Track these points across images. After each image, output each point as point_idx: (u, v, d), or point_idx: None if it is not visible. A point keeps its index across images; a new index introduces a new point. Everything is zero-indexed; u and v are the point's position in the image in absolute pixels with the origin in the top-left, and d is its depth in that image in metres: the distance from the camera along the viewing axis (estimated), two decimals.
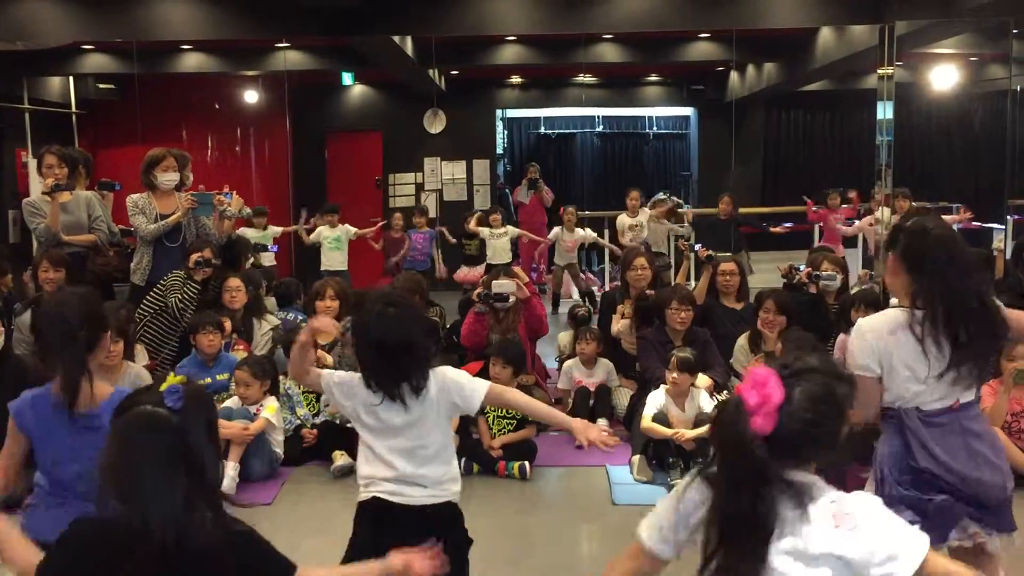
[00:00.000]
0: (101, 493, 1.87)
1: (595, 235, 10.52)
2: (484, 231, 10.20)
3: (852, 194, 10.40)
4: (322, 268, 9.57)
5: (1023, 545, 2.82)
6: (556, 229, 10.54)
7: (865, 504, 1.84)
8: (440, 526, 2.79)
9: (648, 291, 6.30)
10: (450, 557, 2.71)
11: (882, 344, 2.76)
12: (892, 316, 2.82)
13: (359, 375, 2.84)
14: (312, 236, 9.83)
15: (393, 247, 10.45)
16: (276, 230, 9.69)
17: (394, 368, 2.75)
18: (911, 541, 1.82)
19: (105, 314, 2.83)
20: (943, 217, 10.73)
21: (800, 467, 1.83)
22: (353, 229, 9.85)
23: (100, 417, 2.57)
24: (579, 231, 10.46)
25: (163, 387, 1.87)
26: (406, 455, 2.79)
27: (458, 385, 2.84)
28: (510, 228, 10.28)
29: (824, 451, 1.85)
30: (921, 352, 2.71)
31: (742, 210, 10.34)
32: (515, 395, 3.06)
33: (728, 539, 1.78)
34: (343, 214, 10.06)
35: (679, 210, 9.42)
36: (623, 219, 10.19)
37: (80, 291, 2.94)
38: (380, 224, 10.38)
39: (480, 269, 10.00)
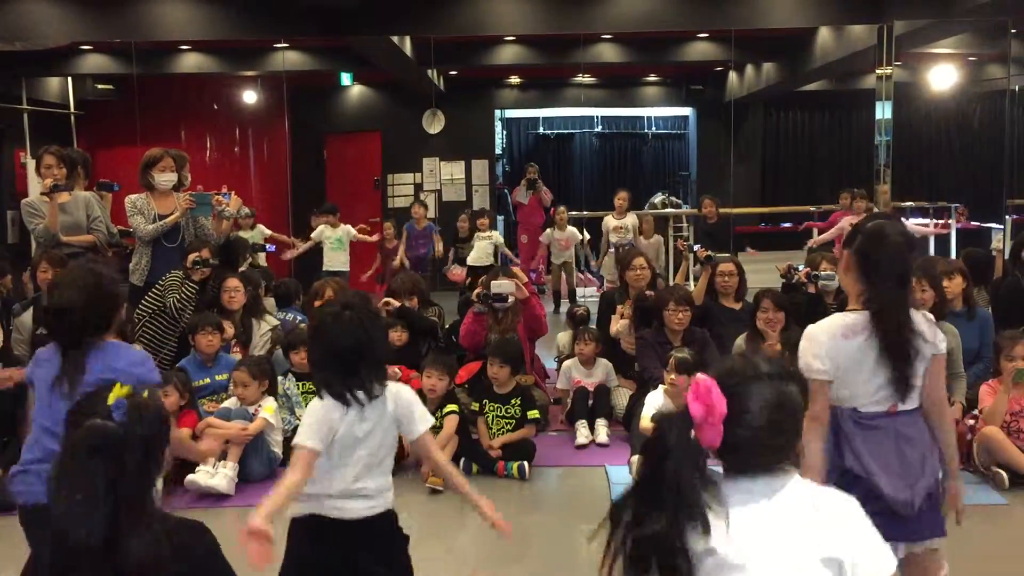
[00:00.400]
0: (51, 499, 1.89)
1: (579, 235, 10.61)
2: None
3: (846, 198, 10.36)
4: (324, 268, 9.57)
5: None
6: (548, 230, 10.59)
7: (843, 503, 1.79)
8: (380, 537, 2.77)
9: (647, 291, 6.31)
10: (393, 565, 2.80)
11: (835, 347, 2.73)
12: (843, 320, 2.80)
13: (318, 402, 2.75)
14: (314, 235, 9.81)
15: (386, 256, 10.36)
16: (265, 230, 9.65)
17: (348, 372, 2.69)
18: (880, 556, 1.75)
19: (117, 291, 2.84)
20: (915, 222, 10.73)
21: (761, 473, 1.77)
22: (353, 231, 9.83)
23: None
24: (571, 228, 10.50)
25: (111, 399, 1.89)
26: (357, 466, 2.73)
27: (409, 410, 2.80)
28: (495, 235, 10.20)
29: (778, 459, 1.77)
30: (864, 354, 2.72)
31: (739, 210, 10.36)
32: (440, 456, 3.02)
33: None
34: (342, 214, 10.05)
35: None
36: (609, 220, 10.19)
37: (93, 268, 2.93)
38: (378, 239, 10.37)
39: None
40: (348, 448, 2.72)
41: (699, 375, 1.73)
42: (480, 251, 9.89)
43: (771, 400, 1.73)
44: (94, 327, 2.81)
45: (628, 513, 1.74)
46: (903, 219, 7.88)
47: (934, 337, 2.78)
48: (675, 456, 1.68)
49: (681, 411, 1.71)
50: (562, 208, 10.68)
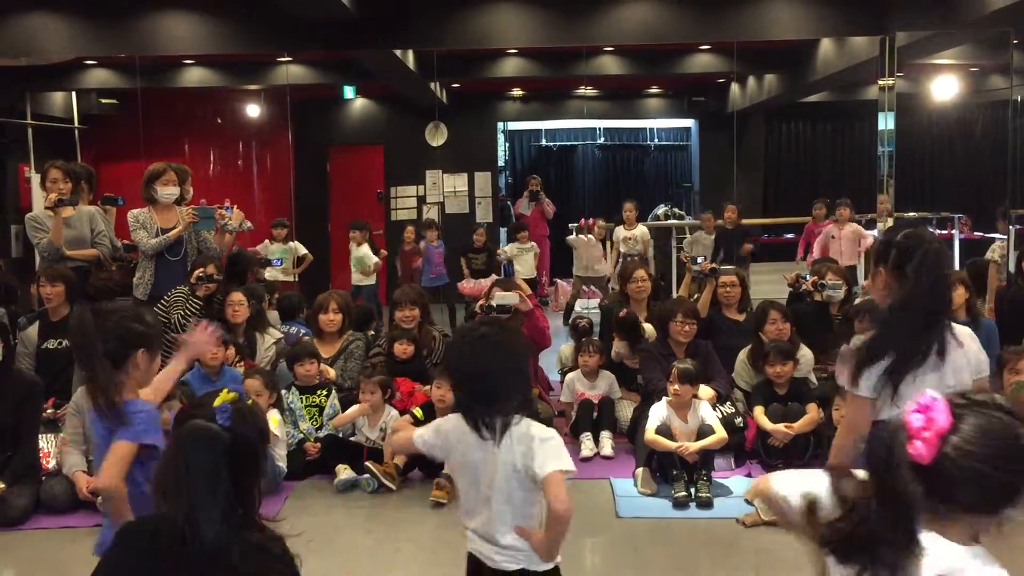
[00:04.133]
0: (154, 497, 1.96)
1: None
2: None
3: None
4: (352, 283, 9.67)
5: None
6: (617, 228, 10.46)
7: None
8: None
9: (624, 310, 6.37)
10: None
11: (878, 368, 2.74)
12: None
13: (448, 419, 2.64)
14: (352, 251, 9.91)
15: (405, 260, 10.53)
16: (300, 248, 9.69)
17: (483, 399, 2.53)
18: None
19: (142, 331, 2.80)
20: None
21: (946, 520, 1.60)
22: (372, 260, 9.85)
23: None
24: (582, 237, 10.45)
25: (216, 403, 1.94)
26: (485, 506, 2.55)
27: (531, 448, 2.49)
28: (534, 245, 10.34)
29: (988, 503, 1.57)
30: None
31: (742, 221, 10.38)
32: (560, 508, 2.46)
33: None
34: (345, 228, 10.09)
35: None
36: (619, 231, 10.24)
37: (121, 307, 2.92)
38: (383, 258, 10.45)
39: (484, 282, 10.02)
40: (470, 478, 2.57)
41: (928, 392, 1.61)
42: (524, 264, 10.00)
43: (993, 430, 1.56)
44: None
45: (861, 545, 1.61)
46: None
47: (978, 356, 2.79)
48: (902, 468, 1.57)
49: (899, 423, 1.60)
50: (601, 221, 10.56)
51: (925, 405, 1.58)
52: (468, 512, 2.61)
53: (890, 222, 8.34)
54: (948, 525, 1.60)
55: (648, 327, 6.33)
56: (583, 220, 10.59)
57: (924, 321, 2.75)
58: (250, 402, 1.99)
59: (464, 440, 2.56)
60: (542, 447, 2.46)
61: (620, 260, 9.92)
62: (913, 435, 1.57)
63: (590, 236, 10.26)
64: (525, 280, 7.96)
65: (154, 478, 1.98)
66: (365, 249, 9.86)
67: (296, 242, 9.73)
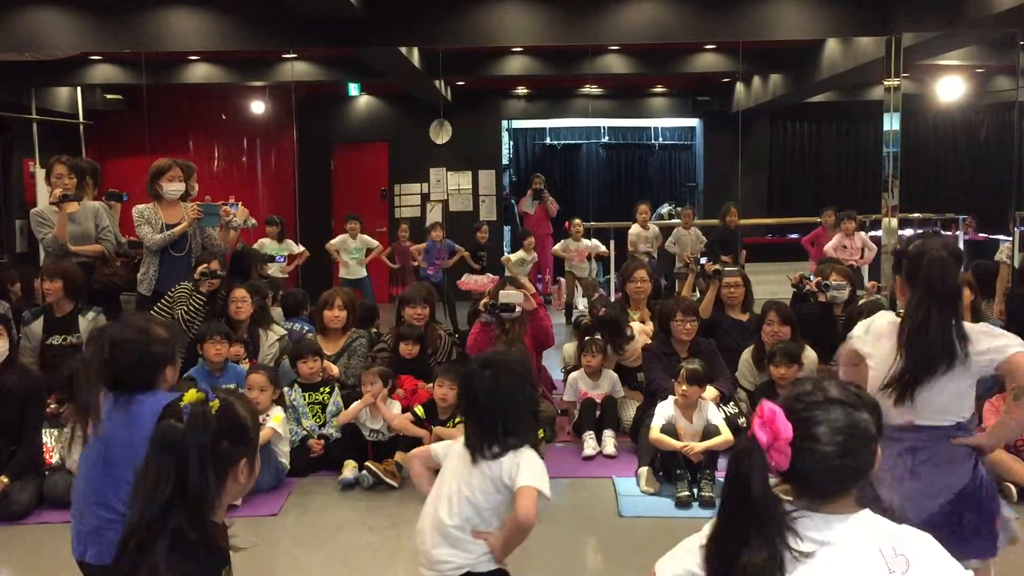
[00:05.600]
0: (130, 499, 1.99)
1: (600, 247, 10.60)
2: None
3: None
4: (342, 277, 9.68)
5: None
6: (563, 241, 10.63)
7: (922, 544, 1.75)
8: None
9: (603, 308, 6.40)
10: None
11: (873, 336, 2.96)
12: (892, 318, 2.99)
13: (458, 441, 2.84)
14: (334, 242, 9.93)
15: (402, 257, 10.55)
16: (294, 247, 9.72)
17: (492, 427, 2.74)
18: None
19: (162, 351, 2.80)
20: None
21: (829, 503, 1.74)
22: (375, 244, 9.95)
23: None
24: (585, 241, 10.52)
25: (183, 402, 1.94)
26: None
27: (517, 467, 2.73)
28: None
29: (852, 482, 1.75)
30: (888, 361, 2.84)
31: (746, 221, 10.39)
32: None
33: None
34: (347, 224, 10.09)
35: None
36: (637, 230, 10.30)
37: (132, 334, 2.87)
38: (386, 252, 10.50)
39: (486, 278, 10.04)
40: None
41: (765, 402, 1.73)
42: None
43: (840, 425, 1.72)
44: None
45: (721, 551, 1.72)
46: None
47: (992, 344, 2.81)
48: (757, 481, 1.67)
49: (751, 439, 1.71)
50: (577, 221, 10.65)
51: (767, 419, 1.70)
52: (422, 516, 2.85)
53: (895, 223, 8.32)
54: (838, 506, 1.74)
55: (636, 325, 6.33)
56: (567, 224, 10.69)
57: (931, 329, 2.80)
58: (214, 403, 1.95)
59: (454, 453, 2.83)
60: (529, 468, 2.70)
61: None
62: (767, 448, 1.68)
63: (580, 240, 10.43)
64: None
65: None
66: (364, 237, 9.97)
67: (289, 240, 9.73)
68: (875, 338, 2.96)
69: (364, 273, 9.94)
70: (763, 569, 1.65)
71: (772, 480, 1.70)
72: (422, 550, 2.83)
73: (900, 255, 2.95)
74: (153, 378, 2.76)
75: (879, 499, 2.44)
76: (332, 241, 10.04)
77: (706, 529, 1.81)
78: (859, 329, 3.04)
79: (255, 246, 9.32)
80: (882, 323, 2.99)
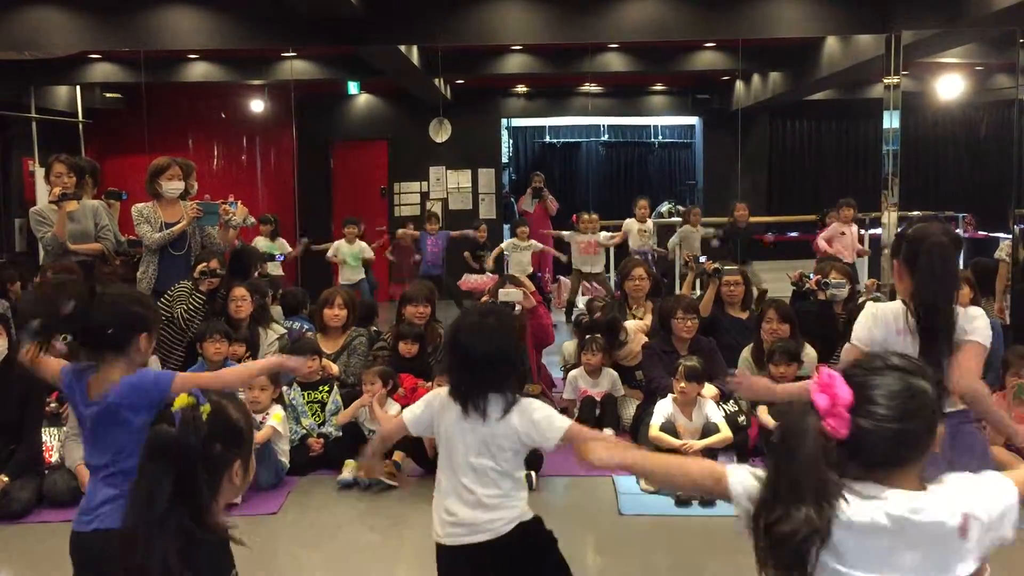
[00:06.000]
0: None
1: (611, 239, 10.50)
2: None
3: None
4: (340, 282, 9.70)
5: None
6: (570, 231, 10.46)
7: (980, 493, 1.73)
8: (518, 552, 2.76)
9: (599, 312, 6.40)
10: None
11: (879, 329, 2.94)
12: (895, 307, 3.00)
13: (436, 393, 2.85)
14: (330, 252, 9.94)
15: (402, 254, 10.57)
16: (286, 246, 9.73)
17: (481, 380, 2.74)
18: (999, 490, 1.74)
19: (143, 314, 2.80)
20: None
21: (891, 477, 1.71)
22: (370, 254, 10.02)
23: (104, 403, 2.68)
24: (603, 233, 10.35)
25: (174, 407, 1.95)
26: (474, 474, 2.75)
27: (536, 424, 2.75)
28: (534, 243, 10.48)
29: (912, 452, 1.71)
30: (904, 348, 2.82)
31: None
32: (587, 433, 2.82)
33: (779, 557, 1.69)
34: (345, 228, 10.13)
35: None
36: (632, 223, 10.26)
37: (121, 291, 2.91)
38: (385, 241, 10.55)
39: (486, 277, 10.03)
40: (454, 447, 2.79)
41: (822, 368, 1.73)
42: (520, 262, 9.99)
43: (897, 389, 1.70)
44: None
45: (768, 514, 1.70)
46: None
47: (967, 323, 2.88)
48: (808, 443, 1.66)
49: (805, 405, 1.70)
50: (594, 215, 10.41)
51: (826, 384, 1.68)
52: (446, 490, 2.78)
53: (893, 216, 8.33)
54: (903, 480, 1.71)
55: (631, 324, 6.32)
56: (575, 217, 10.62)
57: (930, 314, 2.86)
58: (205, 408, 1.96)
59: (448, 413, 2.78)
60: (546, 423, 2.74)
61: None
62: (824, 415, 1.66)
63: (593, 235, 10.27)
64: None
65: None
66: (361, 244, 10.01)
67: (282, 239, 9.74)
68: (885, 327, 2.96)
69: (361, 275, 9.97)
70: (803, 533, 1.64)
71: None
72: (456, 519, 2.76)
73: (900, 238, 2.99)
74: (127, 338, 2.71)
75: None
76: (328, 252, 10.02)
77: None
78: (861, 324, 3.03)
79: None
80: (884, 311, 3.00)
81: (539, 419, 2.73)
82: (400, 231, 11.04)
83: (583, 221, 10.34)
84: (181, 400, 1.95)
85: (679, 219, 12.31)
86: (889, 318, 2.98)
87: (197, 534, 1.90)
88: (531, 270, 10.03)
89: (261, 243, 9.41)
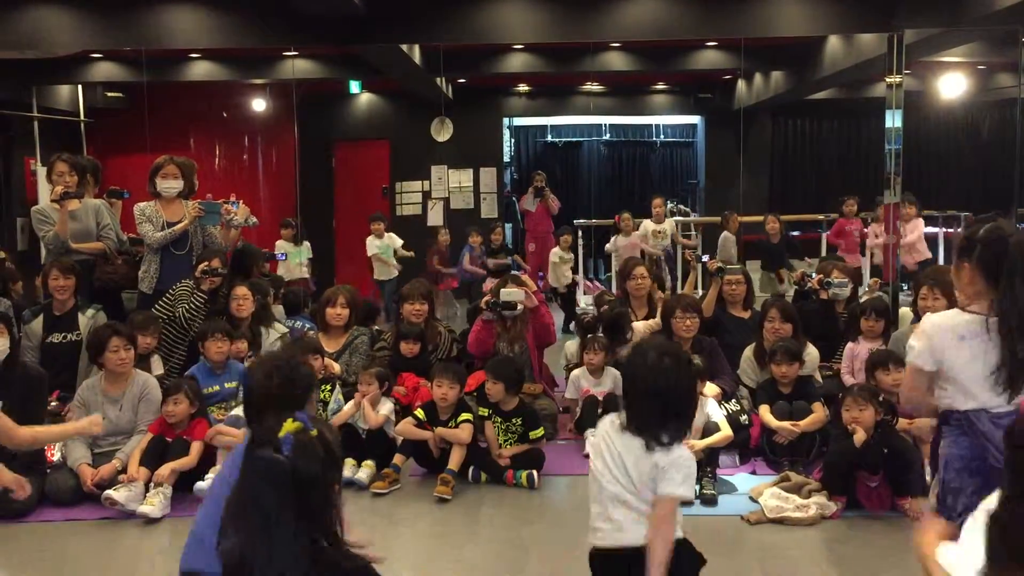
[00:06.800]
0: (223, 528, 1.98)
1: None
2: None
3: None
4: (374, 277, 9.73)
5: None
6: (614, 238, 10.30)
7: None
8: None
9: (604, 307, 6.43)
10: None
11: (945, 345, 2.83)
12: (959, 319, 2.87)
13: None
14: (369, 250, 10.04)
15: (444, 258, 10.60)
16: (309, 250, 9.79)
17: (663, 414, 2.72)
18: None
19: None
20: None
21: None
22: (399, 242, 10.03)
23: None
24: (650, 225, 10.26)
25: (281, 433, 1.95)
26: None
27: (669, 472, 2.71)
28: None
29: None
30: (986, 354, 2.79)
31: (747, 219, 10.33)
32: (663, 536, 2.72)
33: None
34: (350, 222, 10.13)
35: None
36: (648, 224, 10.22)
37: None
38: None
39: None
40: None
41: None
42: (561, 274, 9.95)
43: None
44: None
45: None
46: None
47: None
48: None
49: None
50: (626, 215, 10.31)
51: None
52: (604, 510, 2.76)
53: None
54: None
55: (638, 325, 6.32)
56: (617, 218, 10.37)
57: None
58: (314, 432, 1.98)
59: (615, 441, 2.76)
60: (674, 471, 2.69)
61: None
62: None
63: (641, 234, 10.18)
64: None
65: (225, 508, 2.00)
66: (392, 236, 10.04)
67: (307, 243, 9.83)
68: (947, 346, 2.84)
69: (396, 272, 9.99)
70: None
71: None
72: (612, 528, 2.75)
73: (974, 241, 2.84)
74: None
75: None
76: (368, 245, 10.11)
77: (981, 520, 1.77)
78: (920, 347, 2.88)
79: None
80: (946, 328, 2.86)
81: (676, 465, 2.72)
82: (442, 233, 11.01)
83: (624, 220, 10.24)
84: (290, 426, 1.96)
85: (680, 218, 12.32)
86: (964, 335, 2.85)
87: (345, 565, 1.93)
88: (570, 279, 10.03)
89: (284, 247, 9.46)
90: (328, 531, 1.95)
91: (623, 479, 2.72)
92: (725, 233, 10.25)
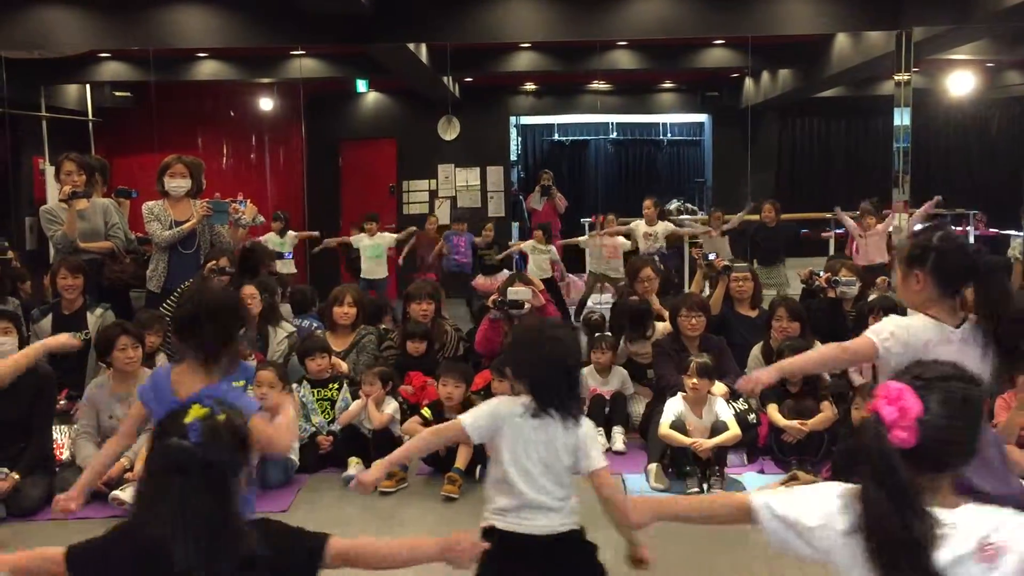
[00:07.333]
0: (134, 515, 1.96)
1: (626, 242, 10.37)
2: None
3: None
4: (362, 277, 9.74)
5: None
6: (590, 234, 10.38)
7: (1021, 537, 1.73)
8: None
9: (636, 297, 6.39)
10: None
11: (918, 350, 2.80)
12: (930, 328, 2.87)
13: (501, 400, 2.89)
14: (353, 242, 9.99)
15: (426, 247, 10.58)
16: (295, 239, 9.78)
17: (568, 386, 2.83)
18: None
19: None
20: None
21: (937, 480, 1.78)
22: (391, 236, 10.03)
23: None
24: (620, 238, 10.26)
25: (187, 419, 1.91)
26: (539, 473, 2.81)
27: (586, 445, 2.83)
28: (553, 249, 10.27)
29: (964, 458, 1.80)
30: (964, 358, 2.75)
31: (755, 217, 10.30)
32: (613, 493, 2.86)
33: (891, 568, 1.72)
34: (357, 221, 10.15)
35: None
36: (639, 225, 10.13)
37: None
38: (413, 230, 10.55)
39: (500, 278, 10.03)
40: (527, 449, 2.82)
41: (890, 382, 1.79)
42: (538, 265, 9.90)
43: (955, 399, 1.77)
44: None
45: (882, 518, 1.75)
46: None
47: None
48: (881, 455, 1.73)
49: (872, 416, 1.77)
50: (611, 216, 10.31)
51: (894, 396, 1.74)
52: (507, 489, 2.79)
53: (903, 218, 8.28)
54: (940, 494, 1.77)
55: (660, 326, 6.31)
56: (594, 217, 10.52)
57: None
58: (222, 417, 1.94)
59: (516, 419, 2.81)
60: (592, 445, 2.85)
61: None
62: (891, 426, 1.73)
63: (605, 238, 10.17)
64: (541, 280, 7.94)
65: (136, 498, 1.99)
66: (383, 234, 10.05)
67: (292, 232, 9.87)
68: (920, 351, 2.84)
69: (384, 274, 10.00)
70: (926, 538, 1.69)
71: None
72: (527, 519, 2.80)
73: (928, 249, 2.84)
74: None
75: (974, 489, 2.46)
76: (351, 241, 10.13)
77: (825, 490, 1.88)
78: (896, 334, 2.89)
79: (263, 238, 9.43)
80: (921, 330, 2.87)
81: (591, 443, 2.87)
82: (431, 220, 11.05)
83: (609, 223, 10.19)
84: (196, 411, 1.92)
85: (687, 217, 12.30)
86: (934, 343, 2.85)
87: (262, 548, 1.90)
88: (551, 274, 9.91)
89: (272, 239, 9.44)
90: (238, 515, 1.92)
91: (542, 479, 2.78)
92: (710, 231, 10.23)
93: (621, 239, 9.96)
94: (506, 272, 9.80)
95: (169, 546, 1.84)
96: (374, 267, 9.93)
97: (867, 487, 1.76)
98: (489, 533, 2.76)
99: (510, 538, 2.76)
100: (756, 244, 9.55)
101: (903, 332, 2.89)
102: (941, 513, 1.73)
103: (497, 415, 2.85)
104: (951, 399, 1.76)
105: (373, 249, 9.93)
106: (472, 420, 2.88)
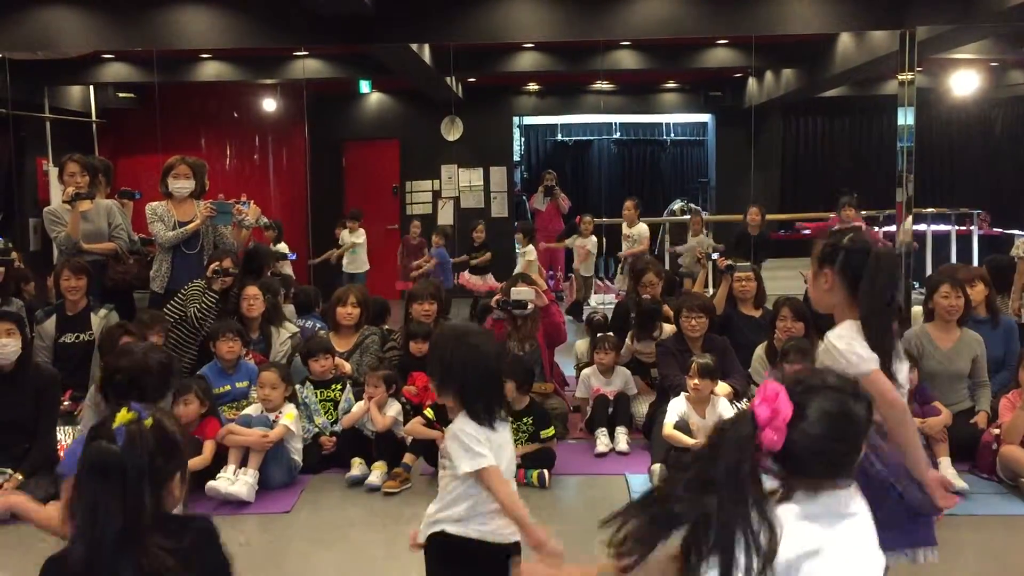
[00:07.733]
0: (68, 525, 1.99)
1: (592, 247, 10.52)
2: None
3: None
4: (344, 270, 9.87)
5: None
6: (573, 236, 10.59)
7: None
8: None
9: (647, 296, 6.38)
10: None
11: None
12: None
13: (465, 422, 2.82)
14: (343, 239, 10.41)
15: (411, 252, 10.59)
16: (286, 249, 9.79)
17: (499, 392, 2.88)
18: None
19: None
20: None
21: (816, 486, 1.80)
22: (363, 237, 10.42)
23: None
24: (592, 238, 10.43)
25: (115, 424, 1.93)
26: None
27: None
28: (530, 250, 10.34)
29: (836, 471, 1.80)
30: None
31: (734, 218, 10.30)
32: (505, 492, 2.92)
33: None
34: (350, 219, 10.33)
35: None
36: (573, 239, 10.42)
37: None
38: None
39: (488, 279, 10.18)
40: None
41: (769, 381, 1.78)
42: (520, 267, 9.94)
43: (833, 411, 1.77)
44: None
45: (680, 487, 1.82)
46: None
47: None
48: (731, 448, 1.73)
49: (746, 413, 1.77)
50: (588, 217, 10.54)
51: (769, 397, 1.74)
52: (463, 499, 2.91)
53: (910, 219, 8.26)
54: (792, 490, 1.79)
55: (667, 327, 6.31)
56: (578, 219, 10.63)
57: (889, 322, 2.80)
58: (149, 421, 1.95)
59: (502, 437, 2.86)
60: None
61: (624, 260, 9.98)
62: (762, 425, 1.72)
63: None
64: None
65: (66, 502, 2.04)
66: (360, 231, 10.44)
67: (284, 243, 9.84)
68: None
69: (364, 268, 10.42)
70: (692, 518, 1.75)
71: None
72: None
73: (838, 247, 2.81)
74: None
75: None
76: (340, 240, 10.49)
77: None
78: (865, 353, 2.81)
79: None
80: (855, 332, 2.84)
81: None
82: (413, 225, 11.12)
83: (586, 224, 10.36)
84: (123, 416, 1.93)
85: (688, 216, 12.28)
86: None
87: (166, 546, 1.89)
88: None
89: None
90: (149, 524, 1.91)
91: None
92: (700, 236, 10.22)
93: (591, 242, 10.35)
94: (489, 275, 9.96)
95: (83, 553, 1.87)
96: (355, 261, 10.38)
97: (718, 476, 1.75)
98: (439, 539, 2.87)
99: (462, 544, 2.85)
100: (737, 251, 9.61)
101: (853, 342, 2.88)
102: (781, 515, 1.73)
103: (481, 437, 2.82)
104: (830, 410, 1.76)
105: (358, 245, 10.33)
106: (494, 457, 2.87)
